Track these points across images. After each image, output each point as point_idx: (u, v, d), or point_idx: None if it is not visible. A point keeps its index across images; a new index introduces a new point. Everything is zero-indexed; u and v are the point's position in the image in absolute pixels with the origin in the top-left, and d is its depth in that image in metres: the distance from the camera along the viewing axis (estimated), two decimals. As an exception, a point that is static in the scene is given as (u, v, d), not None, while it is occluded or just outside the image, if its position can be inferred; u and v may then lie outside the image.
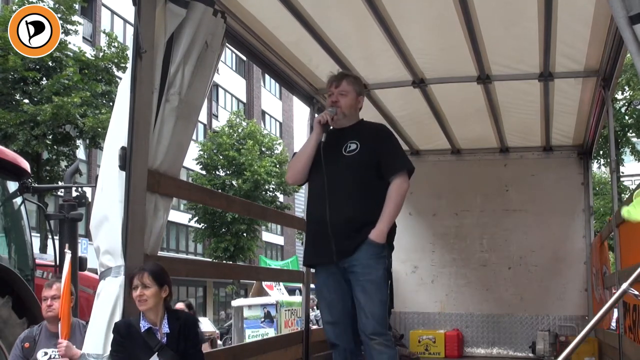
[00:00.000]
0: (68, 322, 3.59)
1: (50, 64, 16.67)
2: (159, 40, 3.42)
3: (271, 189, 27.48)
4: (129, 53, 3.85)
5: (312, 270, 4.34)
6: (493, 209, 7.60)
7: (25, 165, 6.61)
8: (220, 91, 36.55)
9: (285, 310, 17.07)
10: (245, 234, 26.18)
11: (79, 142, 18.08)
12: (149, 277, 3.05)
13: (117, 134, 3.32)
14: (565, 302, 7.29)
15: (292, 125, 45.07)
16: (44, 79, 16.84)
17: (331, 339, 3.55)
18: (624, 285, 1.81)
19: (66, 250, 3.82)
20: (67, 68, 16.43)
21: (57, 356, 3.76)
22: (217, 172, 26.92)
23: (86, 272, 7.40)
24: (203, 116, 32.45)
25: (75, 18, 17.20)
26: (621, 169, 24.96)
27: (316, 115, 3.77)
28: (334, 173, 3.52)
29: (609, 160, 19.05)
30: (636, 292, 1.82)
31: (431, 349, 7.31)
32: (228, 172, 26.76)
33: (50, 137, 16.93)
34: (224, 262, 24.18)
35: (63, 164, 17.30)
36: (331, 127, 3.71)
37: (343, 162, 3.54)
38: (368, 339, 3.40)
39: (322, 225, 3.46)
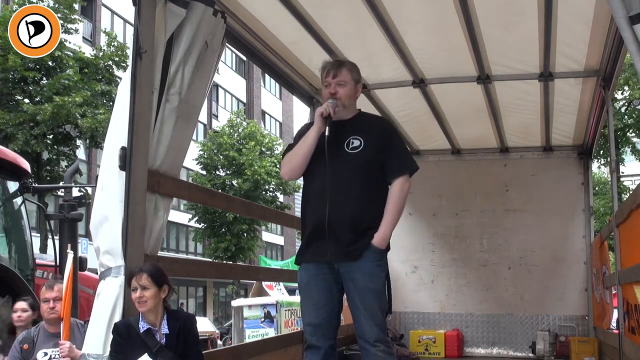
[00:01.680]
0: (69, 322, 3.59)
1: (51, 64, 16.66)
2: (159, 40, 3.42)
3: (271, 189, 27.48)
4: (129, 52, 3.85)
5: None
6: (493, 209, 7.60)
7: (26, 165, 6.61)
8: (220, 91, 36.55)
9: (285, 310, 17.07)
10: (245, 234, 26.18)
11: (79, 142, 18.08)
12: (147, 279, 3.04)
13: (117, 134, 3.32)
14: (565, 302, 7.29)
15: (292, 125, 45.05)
16: (44, 78, 16.84)
17: (312, 341, 3.38)
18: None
19: (68, 250, 3.82)
20: (67, 67, 16.42)
21: (57, 356, 3.76)
22: (217, 172, 26.92)
23: (86, 272, 7.41)
24: (203, 116, 32.45)
25: (75, 17, 17.18)
26: (621, 168, 24.95)
27: (319, 108, 3.47)
28: (336, 170, 3.31)
29: (609, 160, 19.05)
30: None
31: (431, 349, 7.31)
32: (228, 172, 26.77)
33: (50, 137, 16.93)
34: (224, 262, 24.17)
35: (63, 164, 17.30)
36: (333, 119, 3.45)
37: (346, 160, 3.34)
38: (371, 346, 3.27)
39: (321, 225, 3.27)
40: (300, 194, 3.63)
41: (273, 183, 26.98)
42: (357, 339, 3.40)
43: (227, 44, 4.17)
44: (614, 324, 6.36)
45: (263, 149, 27.62)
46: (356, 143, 3.37)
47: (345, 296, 3.43)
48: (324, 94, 3.46)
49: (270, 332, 16.22)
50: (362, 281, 3.28)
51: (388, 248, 3.45)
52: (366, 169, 3.34)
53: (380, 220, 3.34)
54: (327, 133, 3.32)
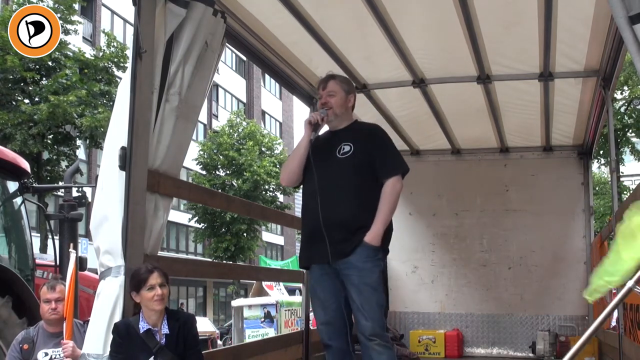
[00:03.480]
0: (72, 322, 3.59)
1: (50, 64, 16.66)
2: (159, 40, 3.42)
3: (271, 189, 27.48)
4: (129, 53, 3.85)
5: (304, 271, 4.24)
6: (493, 209, 7.60)
7: (25, 165, 6.61)
8: (220, 91, 36.55)
9: (285, 310, 17.09)
10: (245, 234, 26.18)
11: (79, 142, 18.08)
12: (163, 277, 3.06)
13: (117, 134, 3.32)
14: (565, 302, 7.29)
15: (292, 125, 45.07)
16: (44, 79, 16.84)
17: (325, 340, 3.53)
18: (630, 283, 1.80)
19: (70, 250, 3.81)
20: (65, 68, 16.41)
21: (57, 357, 3.75)
22: (217, 172, 26.92)
23: (86, 272, 7.40)
24: (203, 116, 32.44)
25: (75, 18, 17.18)
26: (621, 168, 24.95)
27: (306, 118, 3.78)
28: (326, 175, 3.52)
29: (609, 160, 19.04)
30: (640, 290, 1.80)
31: (431, 349, 7.31)
32: (228, 172, 26.77)
33: (50, 137, 16.93)
34: (224, 262, 24.17)
35: (63, 164, 17.30)
36: (321, 129, 3.74)
37: (336, 164, 3.54)
38: (367, 340, 3.39)
39: (316, 227, 3.46)
40: (300, 195, 3.77)
41: (273, 183, 26.98)
42: (358, 337, 3.45)
43: (227, 44, 4.18)
44: (614, 324, 6.36)
45: (263, 149, 27.62)
46: (346, 148, 3.59)
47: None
48: (318, 106, 3.79)
49: (270, 332, 16.23)
50: (356, 276, 3.42)
51: (386, 249, 3.58)
52: (355, 171, 3.52)
53: (372, 220, 3.48)
54: (312, 138, 3.60)
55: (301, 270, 4.72)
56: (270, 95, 42.57)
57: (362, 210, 3.48)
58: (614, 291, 5.60)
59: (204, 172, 26.87)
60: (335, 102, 3.67)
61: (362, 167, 3.52)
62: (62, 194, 8.43)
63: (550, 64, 5.10)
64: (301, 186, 3.77)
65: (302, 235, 3.73)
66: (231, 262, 24.20)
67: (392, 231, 3.62)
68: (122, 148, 3.20)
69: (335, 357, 3.51)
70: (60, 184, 12.85)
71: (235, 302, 18.99)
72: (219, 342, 20.00)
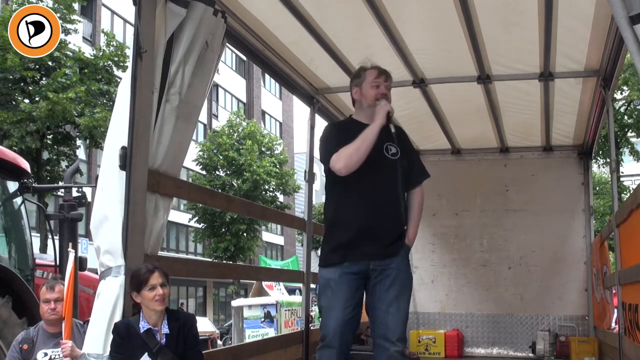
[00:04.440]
0: (71, 322, 3.59)
1: (50, 64, 16.66)
2: (159, 40, 3.42)
3: (271, 189, 27.48)
4: (129, 52, 3.85)
5: (316, 270, 3.93)
6: (493, 209, 7.60)
7: (25, 165, 6.61)
8: (220, 91, 36.55)
9: (285, 310, 17.09)
10: (245, 234, 26.18)
11: (79, 142, 18.08)
12: (163, 277, 3.06)
13: (117, 134, 3.32)
14: (565, 302, 7.29)
15: (292, 125, 45.07)
16: (43, 78, 16.84)
17: (334, 342, 3.39)
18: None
19: (69, 249, 3.81)
20: (64, 67, 16.41)
21: (57, 357, 3.75)
22: (217, 173, 26.92)
23: (86, 272, 7.40)
24: (203, 116, 32.44)
25: (75, 17, 17.18)
26: (621, 168, 24.96)
27: (383, 105, 3.51)
28: (378, 173, 3.45)
29: (609, 160, 19.04)
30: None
31: (431, 349, 7.31)
32: (228, 172, 26.76)
33: (50, 137, 16.93)
34: (224, 262, 24.17)
35: (63, 164, 17.30)
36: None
37: (388, 166, 3.50)
38: (391, 345, 3.33)
39: (367, 228, 3.40)
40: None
41: (273, 183, 26.98)
42: (375, 338, 3.40)
43: (227, 44, 4.18)
44: (614, 324, 6.37)
45: (263, 149, 27.62)
46: (393, 150, 3.55)
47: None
48: (369, 93, 3.58)
49: (270, 332, 16.24)
50: (400, 277, 3.44)
51: None
52: (401, 174, 3.52)
53: (406, 221, 3.56)
54: (393, 130, 3.48)
55: (301, 270, 4.71)
56: (270, 95, 42.57)
57: (404, 213, 3.55)
58: (614, 292, 5.61)
59: (203, 172, 26.87)
60: (389, 99, 3.61)
61: (404, 170, 3.55)
62: (62, 194, 8.43)
63: (551, 64, 5.10)
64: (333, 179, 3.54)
65: (340, 232, 3.47)
66: (231, 262, 24.20)
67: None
68: (122, 148, 3.20)
69: (340, 357, 3.41)
70: (60, 184, 12.85)
71: (235, 302, 19.00)
72: (219, 342, 20.00)
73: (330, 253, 3.50)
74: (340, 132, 3.53)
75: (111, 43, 18.09)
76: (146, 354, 3.00)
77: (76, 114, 16.41)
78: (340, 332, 3.39)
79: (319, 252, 3.69)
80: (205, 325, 18.40)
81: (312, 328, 5.72)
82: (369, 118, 3.53)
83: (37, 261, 6.87)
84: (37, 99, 16.44)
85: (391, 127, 3.48)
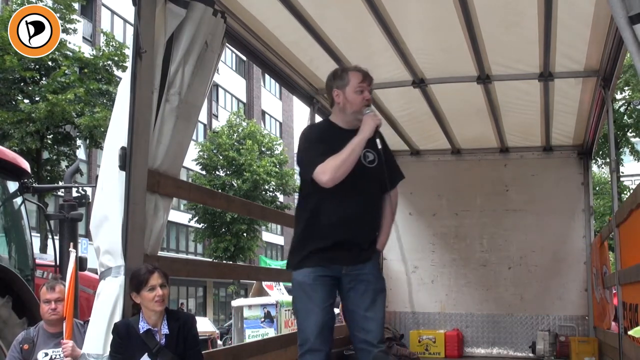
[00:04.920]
0: (72, 322, 3.59)
1: (50, 64, 16.66)
2: (159, 40, 3.42)
3: (271, 189, 27.47)
4: (128, 52, 3.85)
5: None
6: (493, 209, 7.60)
7: (25, 165, 6.61)
8: (220, 91, 36.55)
9: (285, 310, 17.06)
10: (245, 234, 26.18)
11: (79, 142, 18.07)
12: (163, 277, 3.06)
13: (117, 134, 3.32)
14: (565, 302, 7.29)
15: (292, 125, 45.04)
16: (43, 78, 16.84)
17: (315, 344, 3.34)
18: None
19: (71, 249, 3.81)
20: (63, 67, 16.41)
21: (58, 357, 3.75)
22: (217, 172, 26.92)
23: (86, 272, 7.40)
24: (203, 116, 32.44)
25: (75, 17, 17.18)
26: (621, 168, 24.96)
27: (372, 117, 3.38)
28: (356, 180, 3.35)
29: (609, 160, 19.04)
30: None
31: (431, 349, 7.31)
32: (228, 172, 26.76)
33: (50, 137, 16.93)
34: (224, 262, 24.17)
35: (63, 164, 17.29)
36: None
37: (367, 174, 3.42)
38: (373, 348, 3.34)
39: (346, 237, 3.36)
40: (300, 195, 3.60)
41: (273, 183, 26.98)
42: (356, 343, 3.38)
43: (227, 44, 4.18)
44: (614, 324, 6.36)
45: (263, 149, 27.62)
46: (371, 157, 3.46)
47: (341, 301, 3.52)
48: (354, 99, 3.41)
49: (270, 332, 16.21)
50: (373, 282, 3.42)
51: None
52: (378, 181, 3.46)
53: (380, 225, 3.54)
54: (379, 146, 3.39)
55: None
56: (270, 95, 42.56)
57: (381, 219, 3.53)
58: (614, 292, 5.61)
59: (203, 172, 26.87)
60: (370, 102, 3.51)
61: (382, 176, 3.46)
62: (62, 194, 8.43)
63: (550, 64, 5.10)
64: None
65: (315, 238, 3.41)
66: (231, 262, 24.19)
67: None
68: (122, 148, 3.20)
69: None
70: (60, 184, 12.85)
71: (235, 302, 18.98)
72: (219, 342, 20.00)
73: (304, 257, 3.43)
74: (322, 139, 3.41)
75: (110, 43, 18.09)
76: (146, 354, 3.00)
77: (76, 115, 16.40)
78: (322, 334, 3.34)
79: None
80: (205, 325, 18.39)
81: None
82: (350, 123, 3.43)
83: (37, 261, 6.87)
84: (36, 99, 16.44)
85: (377, 142, 3.39)
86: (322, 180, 3.26)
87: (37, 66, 16.56)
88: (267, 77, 39.16)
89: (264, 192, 26.96)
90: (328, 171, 3.26)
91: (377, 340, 3.34)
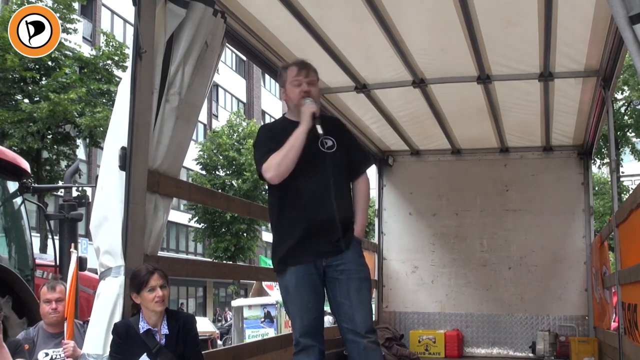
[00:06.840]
0: (73, 322, 3.59)
1: (50, 64, 16.66)
2: (159, 40, 3.42)
3: (271, 189, 27.43)
4: (129, 52, 3.85)
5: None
6: (493, 209, 7.60)
7: (25, 165, 6.61)
8: (220, 91, 36.55)
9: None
10: (245, 234, 26.17)
11: (79, 141, 18.07)
12: (163, 278, 3.06)
13: (117, 134, 3.32)
14: (565, 302, 7.29)
15: (292, 125, 44.98)
16: (43, 78, 16.84)
17: (306, 342, 3.37)
18: None
19: (72, 249, 3.81)
20: (64, 67, 16.41)
21: (58, 357, 3.75)
22: (217, 172, 26.92)
23: (86, 272, 7.40)
24: (203, 116, 32.45)
25: (75, 17, 17.17)
26: (621, 168, 24.95)
27: (307, 106, 3.36)
28: (319, 170, 3.36)
29: (609, 160, 19.04)
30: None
31: (431, 349, 7.31)
32: (228, 172, 26.77)
33: (50, 136, 16.92)
34: (224, 262, 24.17)
35: (63, 164, 17.29)
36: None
37: (326, 160, 3.39)
38: (362, 338, 3.30)
39: (312, 225, 3.33)
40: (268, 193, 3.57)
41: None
42: (345, 334, 3.34)
43: (227, 44, 4.18)
44: (614, 324, 6.36)
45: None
46: (329, 143, 3.45)
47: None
48: (292, 92, 3.44)
49: (270, 332, 16.21)
50: (354, 271, 3.37)
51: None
52: (343, 167, 3.45)
53: (353, 214, 3.48)
54: (320, 132, 3.34)
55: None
56: (270, 95, 42.56)
57: (350, 205, 3.48)
58: (614, 291, 5.61)
59: (204, 172, 26.87)
60: (316, 93, 3.47)
61: (344, 161, 3.46)
62: (62, 194, 8.43)
63: (550, 64, 5.10)
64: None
65: (286, 235, 3.42)
66: (231, 262, 24.20)
67: None
68: (122, 148, 3.20)
69: (318, 357, 3.37)
70: (60, 184, 12.85)
71: (235, 302, 18.97)
72: (219, 342, 20.00)
73: (281, 258, 3.43)
74: (272, 136, 3.43)
75: (110, 43, 18.09)
76: (145, 354, 3.00)
77: (77, 115, 16.40)
78: (310, 333, 3.35)
79: None
80: (205, 325, 18.39)
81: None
82: (299, 116, 3.42)
83: (37, 261, 6.88)
84: (37, 99, 16.44)
85: (318, 127, 3.33)
86: (268, 177, 3.31)
87: (37, 66, 16.56)
88: (267, 77, 39.18)
89: (264, 192, 26.94)
90: (271, 168, 3.31)
91: (364, 330, 3.31)
